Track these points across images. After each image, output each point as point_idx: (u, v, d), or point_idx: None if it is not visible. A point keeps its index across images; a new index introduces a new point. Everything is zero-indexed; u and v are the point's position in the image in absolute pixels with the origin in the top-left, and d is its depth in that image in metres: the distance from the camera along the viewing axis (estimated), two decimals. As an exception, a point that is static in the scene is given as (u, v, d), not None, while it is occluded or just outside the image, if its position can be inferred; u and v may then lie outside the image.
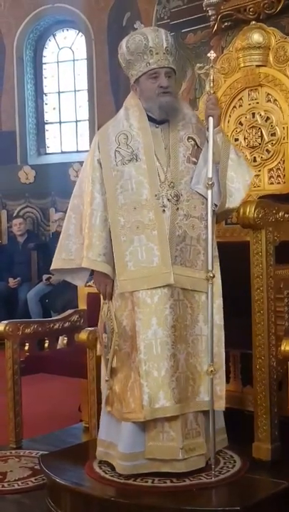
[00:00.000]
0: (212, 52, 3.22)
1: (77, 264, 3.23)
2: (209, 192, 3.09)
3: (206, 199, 3.11)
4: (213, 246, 3.12)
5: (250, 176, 3.25)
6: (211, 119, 3.12)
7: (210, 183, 3.08)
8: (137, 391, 3.03)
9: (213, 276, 3.08)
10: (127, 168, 3.12)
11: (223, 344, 3.14)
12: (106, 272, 3.13)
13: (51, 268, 3.37)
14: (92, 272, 3.24)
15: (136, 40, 3.12)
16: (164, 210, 3.08)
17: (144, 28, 3.19)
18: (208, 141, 3.13)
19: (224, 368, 3.14)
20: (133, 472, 3.04)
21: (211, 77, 3.20)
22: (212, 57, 3.20)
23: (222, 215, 3.31)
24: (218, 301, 3.13)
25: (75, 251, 3.25)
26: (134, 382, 3.05)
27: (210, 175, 3.08)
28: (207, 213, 3.11)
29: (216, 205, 3.14)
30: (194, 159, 3.15)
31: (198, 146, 3.18)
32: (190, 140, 3.18)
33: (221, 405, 3.10)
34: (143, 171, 3.11)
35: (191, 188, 3.12)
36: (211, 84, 3.21)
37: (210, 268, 3.08)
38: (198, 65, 3.22)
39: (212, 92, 3.21)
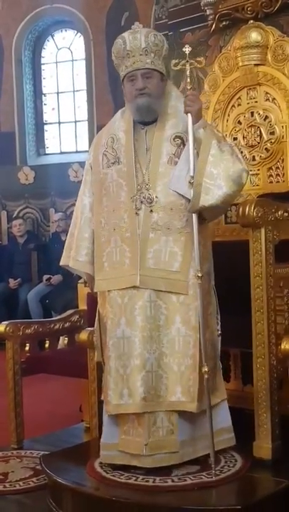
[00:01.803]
0: (187, 46, 3.13)
1: None
2: (191, 191, 2.99)
3: (185, 199, 3.02)
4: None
5: (235, 170, 3.01)
6: (189, 115, 3.03)
7: (191, 181, 2.99)
8: (105, 386, 3.12)
9: (202, 276, 3.01)
10: (110, 171, 3.17)
11: (198, 346, 3.01)
12: (85, 271, 3.30)
13: (60, 263, 3.48)
14: None
15: (117, 45, 3.13)
16: (137, 213, 3.08)
17: (127, 31, 3.12)
18: (188, 139, 3.04)
19: (198, 370, 3.01)
20: (110, 462, 3.13)
21: (187, 73, 3.11)
22: (187, 52, 3.10)
23: (208, 214, 3.11)
24: (197, 303, 3.03)
25: None
26: (106, 377, 3.14)
27: (192, 173, 2.99)
28: (186, 214, 3.02)
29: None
30: (177, 159, 3.08)
31: (184, 145, 3.09)
32: (176, 139, 3.11)
33: (192, 407, 3.02)
34: (123, 173, 3.13)
35: (170, 189, 3.06)
36: (188, 80, 3.12)
37: (198, 268, 3.00)
38: (173, 61, 3.12)
39: (188, 88, 3.10)
